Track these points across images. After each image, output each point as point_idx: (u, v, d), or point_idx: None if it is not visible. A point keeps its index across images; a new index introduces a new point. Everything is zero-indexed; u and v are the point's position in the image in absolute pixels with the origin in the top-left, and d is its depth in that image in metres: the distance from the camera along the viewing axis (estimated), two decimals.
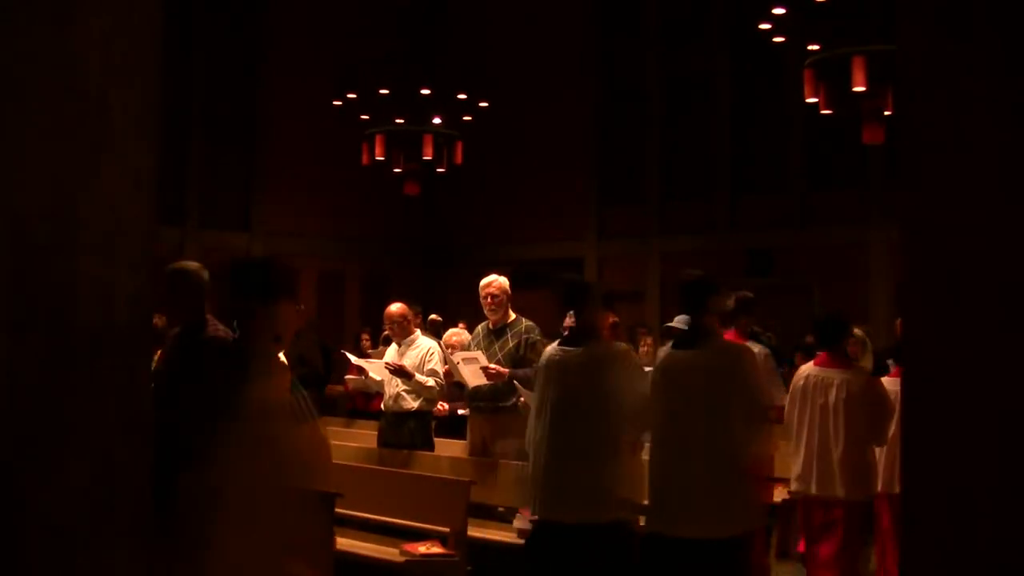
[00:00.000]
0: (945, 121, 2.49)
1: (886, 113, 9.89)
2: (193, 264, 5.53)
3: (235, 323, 3.94)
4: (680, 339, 5.22)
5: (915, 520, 2.56)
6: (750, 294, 7.73)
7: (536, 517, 5.35)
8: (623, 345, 5.64)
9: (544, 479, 5.16)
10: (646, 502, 5.19)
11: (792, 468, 6.16)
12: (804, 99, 10.48)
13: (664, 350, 5.36)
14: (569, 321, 5.56)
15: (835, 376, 6.03)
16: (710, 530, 4.79)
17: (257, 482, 3.48)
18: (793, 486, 6.19)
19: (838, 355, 6.18)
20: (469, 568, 6.34)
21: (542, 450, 5.17)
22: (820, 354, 6.25)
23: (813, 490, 6.00)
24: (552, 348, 5.44)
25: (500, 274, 7.60)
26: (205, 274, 5.45)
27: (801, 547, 6.79)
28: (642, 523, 5.23)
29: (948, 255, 2.49)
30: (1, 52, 2.45)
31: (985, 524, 2.40)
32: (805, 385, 6.13)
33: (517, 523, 6.76)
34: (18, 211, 2.47)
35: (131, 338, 2.67)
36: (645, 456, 5.50)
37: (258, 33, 17.06)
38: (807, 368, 6.26)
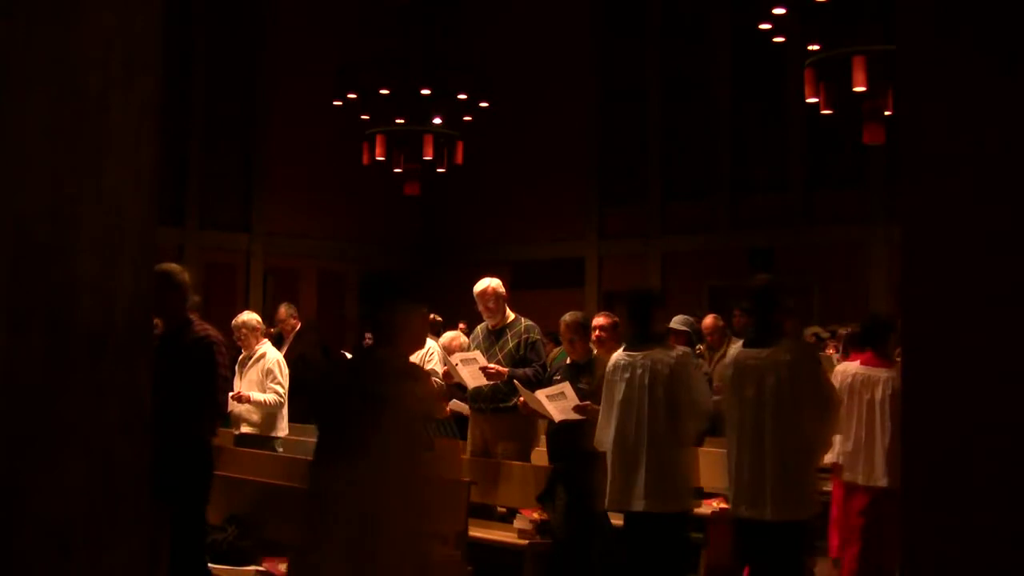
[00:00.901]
0: (945, 121, 2.49)
1: (886, 113, 9.90)
2: (174, 266, 5.57)
3: (373, 329, 4.32)
4: (752, 338, 5.59)
5: (915, 518, 2.56)
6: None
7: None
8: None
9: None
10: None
11: (841, 459, 6.66)
12: (804, 99, 10.48)
13: (736, 347, 5.81)
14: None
15: (881, 374, 6.51)
16: (780, 514, 5.20)
17: (405, 468, 3.98)
18: (846, 476, 6.62)
19: (882, 354, 6.60)
20: (470, 568, 6.34)
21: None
22: (865, 353, 6.74)
23: (860, 480, 6.49)
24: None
25: (492, 276, 7.61)
26: (186, 276, 5.50)
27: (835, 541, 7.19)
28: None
29: (948, 255, 2.49)
30: (1, 52, 2.45)
31: (986, 522, 2.41)
32: (852, 383, 6.59)
33: (517, 523, 6.77)
34: (18, 211, 2.47)
35: (131, 338, 2.67)
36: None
37: (258, 33, 17.07)
38: (853, 367, 6.71)
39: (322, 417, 4.25)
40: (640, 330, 5.86)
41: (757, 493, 5.24)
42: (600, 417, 5.95)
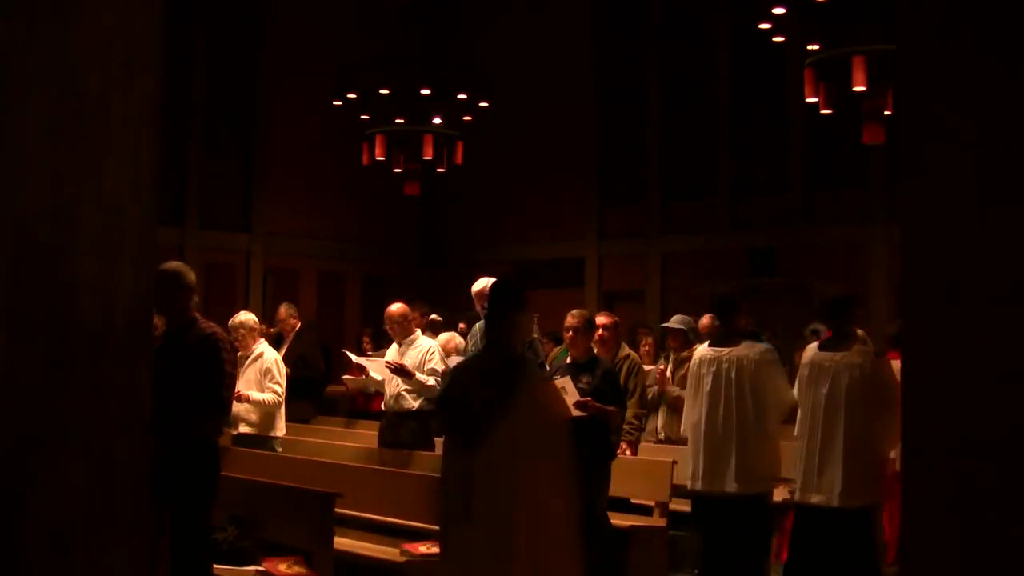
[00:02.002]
0: (945, 121, 2.49)
1: (886, 113, 9.89)
2: (181, 266, 5.57)
3: (497, 329, 4.92)
4: (824, 342, 6.42)
5: (917, 519, 2.56)
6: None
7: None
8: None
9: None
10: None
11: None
12: (804, 99, 10.48)
13: (812, 349, 6.44)
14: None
15: None
16: (848, 500, 5.97)
17: (540, 447, 4.54)
18: (798, 495, 6.59)
19: None
20: None
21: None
22: (893, 351, 7.05)
23: (813, 499, 6.32)
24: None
25: (492, 275, 7.61)
26: (192, 276, 5.50)
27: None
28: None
29: (948, 255, 2.49)
30: (1, 52, 2.45)
31: (987, 523, 2.40)
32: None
33: None
34: (18, 211, 2.47)
35: (131, 338, 2.67)
36: None
37: (258, 33, 17.06)
38: (811, 352, 6.71)
39: (462, 410, 4.72)
40: (726, 329, 6.55)
41: (825, 482, 6.01)
42: (685, 407, 6.70)
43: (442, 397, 5.12)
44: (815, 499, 6.06)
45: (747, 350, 6.39)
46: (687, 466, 6.60)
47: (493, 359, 4.81)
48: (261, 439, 8.22)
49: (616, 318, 8.17)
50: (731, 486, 6.25)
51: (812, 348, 6.45)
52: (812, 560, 6.13)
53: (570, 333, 6.79)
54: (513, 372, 4.68)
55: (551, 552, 4.57)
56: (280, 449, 8.39)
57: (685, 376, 8.26)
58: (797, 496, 6.29)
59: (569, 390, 6.42)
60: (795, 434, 6.40)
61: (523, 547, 4.44)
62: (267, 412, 8.25)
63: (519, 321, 4.92)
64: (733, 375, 6.31)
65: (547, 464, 4.58)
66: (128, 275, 2.66)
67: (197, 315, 5.47)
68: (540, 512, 4.50)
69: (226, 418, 5.83)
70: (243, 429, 8.14)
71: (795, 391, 6.45)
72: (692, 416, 6.53)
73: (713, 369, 6.40)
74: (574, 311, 6.90)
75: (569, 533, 4.68)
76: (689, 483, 6.53)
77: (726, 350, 6.42)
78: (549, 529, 4.55)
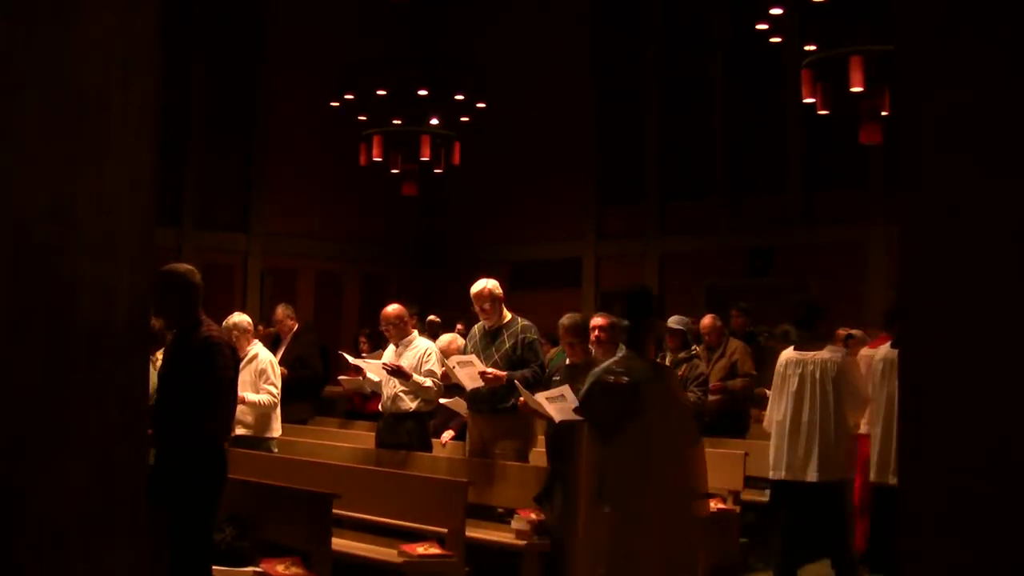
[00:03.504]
0: (945, 121, 2.49)
1: (884, 113, 9.90)
2: (185, 266, 5.54)
3: (635, 334, 5.49)
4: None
5: (913, 521, 2.56)
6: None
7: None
8: None
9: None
10: None
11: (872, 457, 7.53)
12: (802, 99, 10.48)
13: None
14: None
15: None
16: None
17: (674, 443, 5.28)
18: (873, 476, 7.49)
19: None
20: (467, 569, 6.35)
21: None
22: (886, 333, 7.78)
23: (891, 480, 7.16)
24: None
25: (490, 276, 7.60)
26: (197, 276, 5.46)
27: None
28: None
29: (947, 255, 2.49)
30: (1, 52, 2.45)
31: (986, 522, 2.41)
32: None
33: (515, 524, 6.77)
34: (17, 211, 2.47)
35: (131, 338, 2.67)
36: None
37: (257, 34, 17.05)
38: (883, 350, 7.58)
39: (603, 407, 5.37)
40: (810, 334, 7.17)
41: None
42: (769, 404, 7.35)
43: (585, 396, 5.62)
44: (892, 480, 6.84)
45: (830, 354, 6.96)
46: (768, 457, 7.24)
47: (631, 361, 5.45)
48: (257, 440, 8.21)
49: (613, 318, 8.16)
50: (813, 475, 6.86)
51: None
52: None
53: (568, 343, 6.81)
54: (648, 373, 5.37)
55: (676, 529, 5.29)
56: (276, 450, 8.38)
57: (683, 377, 8.28)
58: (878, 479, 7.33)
59: (568, 397, 6.42)
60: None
61: (653, 525, 5.16)
62: (262, 413, 8.24)
63: (654, 325, 5.69)
64: (817, 375, 6.91)
65: (676, 453, 5.35)
66: (127, 275, 2.66)
67: (203, 318, 5.43)
68: (670, 496, 5.21)
69: (228, 422, 5.78)
70: (239, 431, 8.13)
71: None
72: (776, 413, 7.14)
73: (799, 370, 7.03)
74: (564, 319, 6.90)
75: (690, 514, 5.48)
76: (772, 473, 7.15)
77: (811, 353, 7.02)
78: (675, 512, 5.27)
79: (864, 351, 8.35)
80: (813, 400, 6.93)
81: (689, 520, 5.48)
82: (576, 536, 5.73)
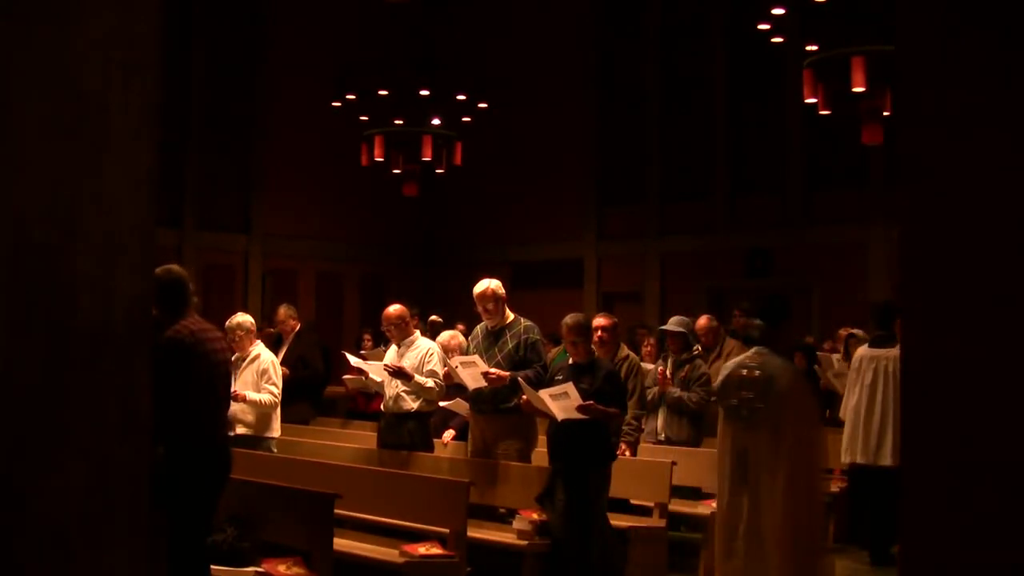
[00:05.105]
0: (945, 121, 2.49)
1: (885, 113, 9.90)
2: (174, 268, 5.51)
3: (769, 333, 6.06)
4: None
5: (915, 516, 2.56)
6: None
7: None
8: None
9: None
10: None
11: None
12: (803, 99, 10.48)
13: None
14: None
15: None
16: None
17: (802, 428, 5.87)
18: (846, 458, 8.20)
19: None
20: (469, 569, 6.34)
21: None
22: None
23: (859, 459, 8.01)
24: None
25: (492, 277, 7.59)
26: (172, 276, 5.42)
27: None
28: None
29: (947, 255, 2.49)
30: (1, 52, 2.45)
31: (986, 522, 2.40)
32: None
33: (516, 524, 6.76)
34: (18, 211, 2.46)
35: (131, 338, 2.66)
36: None
37: (257, 34, 17.06)
38: (863, 349, 8.29)
39: (738, 399, 5.98)
40: (886, 332, 8.03)
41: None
42: (845, 393, 8.28)
43: (721, 388, 6.19)
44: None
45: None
46: (843, 443, 8.09)
47: (764, 357, 6.00)
48: (256, 440, 8.21)
49: (615, 319, 8.16)
50: (886, 460, 7.72)
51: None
52: None
53: (571, 343, 6.79)
54: (780, 367, 5.97)
55: (807, 503, 5.86)
56: (275, 450, 8.38)
57: (685, 378, 8.29)
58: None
59: (572, 394, 6.42)
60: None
61: (787, 501, 5.73)
62: (263, 413, 8.24)
63: (786, 327, 6.35)
64: (891, 370, 7.78)
65: (805, 437, 5.91)
66: (128, 275, 2.66)
67: (186, 320, 5.34)
68: (800, 474, 5.82)
69: (195, 420, 5.48)
70: (239, 430, 8.13)
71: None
72: (851, 400, 8.11)
73: (874, 365, 8.03)
74: (568, 319, 6.86)
75: (818, 490, 6.18)
76: (845, 456, 8.03)
77: (884, 351, 8.00)
78: (806, 488, 5.86)
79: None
80: (886, 392, 7.83)
81: (817, 495, 6.16)
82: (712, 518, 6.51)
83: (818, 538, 6.11)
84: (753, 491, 5.88)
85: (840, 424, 8.70)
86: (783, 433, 5.85)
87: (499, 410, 7.29)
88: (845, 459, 8.07)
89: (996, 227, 2.42)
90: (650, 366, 8.87)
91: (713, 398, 8.68)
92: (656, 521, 7.35)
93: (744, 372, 6.06)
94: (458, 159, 14.10)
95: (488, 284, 7.40)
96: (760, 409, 5.88)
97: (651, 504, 7.46)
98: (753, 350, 6.11)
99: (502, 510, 7.24)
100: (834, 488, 8.59)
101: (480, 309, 7.42)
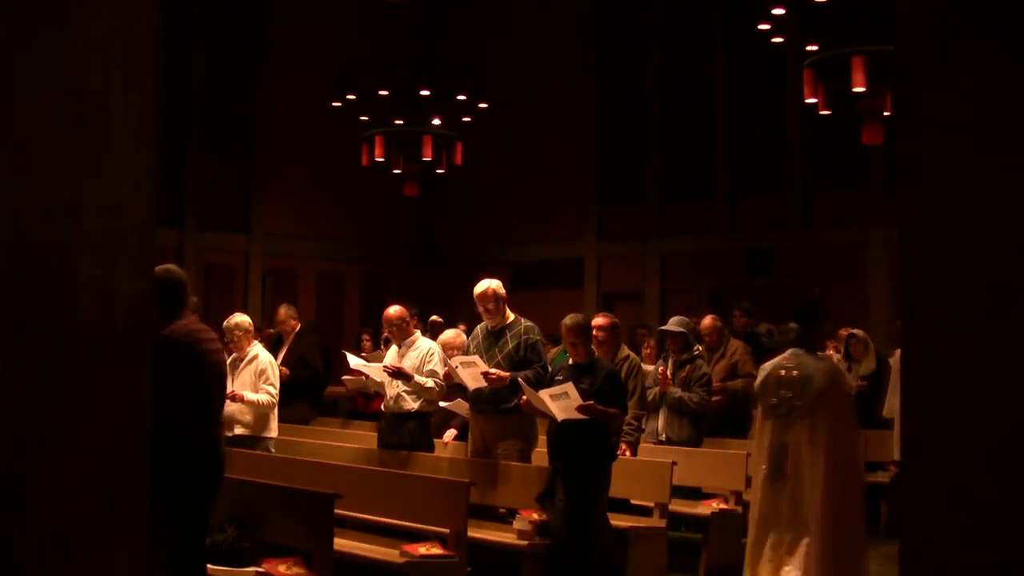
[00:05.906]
0: (945, 120, 2.49)
1: (885, 113, 9.90)
2: (172, 268, 5.51)
3: (804, 334, 6.43)
4: None
5: (915, 516, 2.56)
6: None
7: None
8: None
9: None
10: None
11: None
12: (803, 99, 10.48)
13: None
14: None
15: None
16: None
17: (839, 424, 6.21)
18: None
19: None
20: (469, 569, 6.34)
21: None
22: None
23: None
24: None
25: (492, 277, 7.59)
26: (181, 274, 5.42)
27: None
28: None
29: (947, 255, 2.49)
30: (1, 52, 2.45)
31: (986, 522, 2.40)
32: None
33: (516, 524, 6.76)
34: (18, 211, 2.46)
35: (131, 339, 2.66)
36: None
37: (257, 34, 17.06)
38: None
39: (776, 396, 6.33)
40: None
41: None
42: (889, 394, 8.70)
43: (761, 388, 6.48)
44: None
45: None
46: (894, 438, 8.38)
47: (801, 357, 6.34)
48: (254, 440, 8.21)
49: (614, 319, 8.16)
50: None
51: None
52: None
53: (571, 343, 6.79)
54: (816, 367, 6.29)
55: (845, 494, 6.16)
56: (273, 450, 8.39)
57: (686, 378, 8.29)
58: None
59: (572, 394, 6.42)
60: None
61: (827, 492, 6.04)
62: (261, 413, 8.25)
63: (821, 327, 6.77)
64: None
65: (842, 432, 6.22)
66: (128, 275, 2.65)
67: (182, 322, 5.33)
68: (839, 467, 6.11)
69: (196, 423, 5.46)
70: (237, 431, 8.14)
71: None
72: (893, 400, 8.47)
73: None
74: (567, 320, 6.86)
75: (855, 481, 6.47)
76: (898, 455, 8.09)
77: None
78: (844, 480, 6.16)
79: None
80: None
81: (855, 487, 6.42)
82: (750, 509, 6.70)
83: (857, 528, 6.32)
84: (793, 484, 6.21)
85: (877, 421, 9.41)
86: (820, 429, 6.16)
87: (499, 410, 7.29)
88: (897, 455, 8.32)
89: (996, 227, 2.42)
90: (650, 367, 8.88)
91: (713, 398, 8.71)
92: (656, 521, 7.36)
93: (783, 372, 6.39)
94: (458, 159, 14.10)
95: (488, 284, 7.40)
96: (798, 407, 6.24)
97: (651, 504, 7.47)
98: (789, 351, 6.46)
99: (502, 510, 7.24)
100: (885, 480, 9.19)
101: (480, 309, 7.43)
